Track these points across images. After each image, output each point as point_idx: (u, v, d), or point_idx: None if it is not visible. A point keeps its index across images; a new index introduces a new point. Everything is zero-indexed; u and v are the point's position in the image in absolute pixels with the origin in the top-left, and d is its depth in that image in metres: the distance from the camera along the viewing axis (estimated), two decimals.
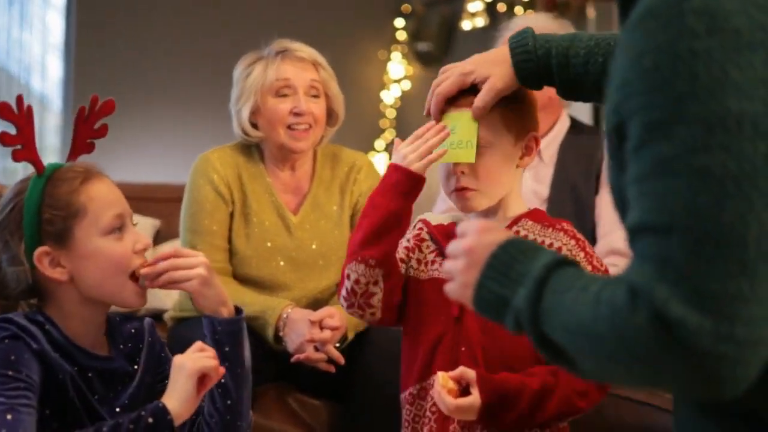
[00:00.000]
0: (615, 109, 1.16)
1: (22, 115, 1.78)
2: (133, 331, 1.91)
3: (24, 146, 1.76)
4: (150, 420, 1.61)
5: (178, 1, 6.57)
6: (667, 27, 1.10)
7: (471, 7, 6.16)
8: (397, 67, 6.78)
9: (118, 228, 1.80)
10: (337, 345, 2.70)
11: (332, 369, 2.68)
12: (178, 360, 1.71)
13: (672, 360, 1.06)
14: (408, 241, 2.06)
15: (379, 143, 6.60)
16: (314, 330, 2.65)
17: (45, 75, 6.62)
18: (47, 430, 1.66)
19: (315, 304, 2.84)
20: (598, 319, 1.12)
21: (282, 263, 2.88)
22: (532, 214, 1.99)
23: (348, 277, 1.98)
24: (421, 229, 2.07)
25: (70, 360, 1.73)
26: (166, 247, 3.61)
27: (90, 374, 1.76)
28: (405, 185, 1.92)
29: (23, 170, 5.64)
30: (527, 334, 1.24)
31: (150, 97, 6.40)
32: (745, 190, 1.06)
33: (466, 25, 6.20)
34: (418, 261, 2.04)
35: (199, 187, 2.88)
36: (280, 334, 2.70)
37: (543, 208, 2.68)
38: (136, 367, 1.86)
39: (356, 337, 2.76)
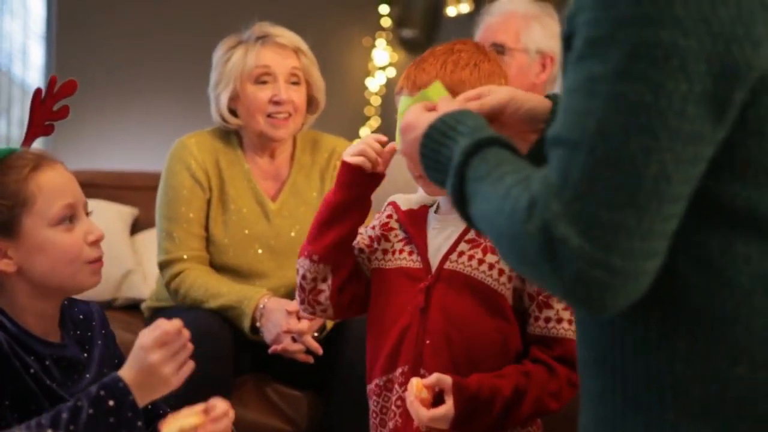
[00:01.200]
0: (568, 19, 1.18)
1: None
2: (81, 317, 1.87)
3: None
4: (111, 402, 1.54)
5: None
6: None
7: None
8: (382, 54, 6.74)
9: (69, 218, 1.75)
10: (316, 335, 2.65)
11: (310, 360, 2.64)
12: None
13: (551, 272, 1.12)
14: (374, 228, 2.02)
15: (364, 131, 6.55)
16: (291, 320, 2.60)
17: (26, 62, 6.58)
18: (8, 422, 1.61)
19: (293, 292, 2.77)
20: (501, 213, 1.18)
21: (260, 251, 2.83)
22: None
23: (297, 272, 1.97)
24: (390, 216, 2.02)
25: (26, 349, 1.68)
26: (143, 237, 3.57)
27: (47, 362, 1.72)
28: (344, 176, 1.90)
29: None
30: (448, 187, 1.31)
31: (130, 83, 6.36)
32: (655, 125, 1.08)
33: (451, 11, 6.17)
34: (384, 251, 1.99)
35: (175, 173, 2.83)
36: (257, 324, 2.65)
37: None
38: (86, 355, 1.82)
39: (335, 326, 2.72)
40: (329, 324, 2.70)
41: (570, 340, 1.83)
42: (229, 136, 2.90)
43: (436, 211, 1.97)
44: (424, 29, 6.52)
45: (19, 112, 6.59)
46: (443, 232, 1.93)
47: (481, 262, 1.86)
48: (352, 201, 1.91)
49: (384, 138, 1.92)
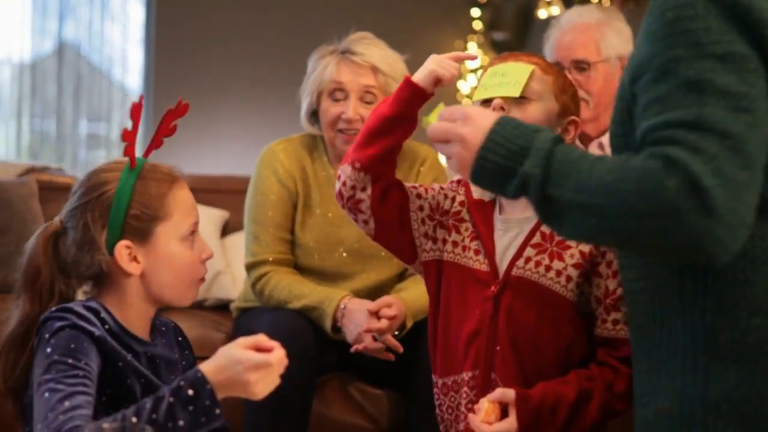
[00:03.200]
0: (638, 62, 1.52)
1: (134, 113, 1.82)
2: (163, 328, 1.96)
3: (130, 141, 1.80)
4: (190, 392, 1.60)
5: None
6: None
7: None
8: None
9: (191, 235, 1.84)
10: (396, 333, 2.70)
11: (391, 357, 2.69)
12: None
13: (692, 219, 1.36)
14: (445, 198, 2.06)
15: None
16: (372, 320, 2.66)
17: (126, 66, 6.74)
18: (105, 415, 1.69)
19: (376, 294, 2.85)
20: (625, 180, 1.40)
21: (344, 254, 2.90)
22: None
23: (338, 177, 2.02)
24: (462, 203, 2.05)
25: (124, 345, 1.77)
26: (233, 239, 3.65)
27: (142, 359, 1.80)
28: (403, 91, 1.95)
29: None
30: (529, 195, 1.49)
31: (225, 89, 6.47)
32: (753, 109, 1.42)
33: (542, 13, 6.16)
34: (454, 243, 2.03)
35: (264, 178, 2.91)
36: (338, 324, 2.72)
37: None
38: (176, 356, 1.91)
39: (415, 325, 2.76)
40: (409, 323, 2.75)
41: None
42: (316, 142, 2.97)
43: (500, 213, 2.00)
44: (515, 32, 6.52)
45: (119, 116, 6.75)
46: (508, 233, 1.96)
47: (548, 268, 1.89)
48: (404, 116, 1.95)
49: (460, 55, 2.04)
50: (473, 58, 2.06)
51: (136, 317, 1.83)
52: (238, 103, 6.52)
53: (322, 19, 6.16)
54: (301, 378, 2.65)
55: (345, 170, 2.00)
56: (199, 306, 3.53)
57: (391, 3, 6.61)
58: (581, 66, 2.86)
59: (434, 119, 1.73)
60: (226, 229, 3.77)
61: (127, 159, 1.81)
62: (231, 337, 3.06)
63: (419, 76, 1.96)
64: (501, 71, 1.99)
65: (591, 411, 1.85)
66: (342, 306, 2.72)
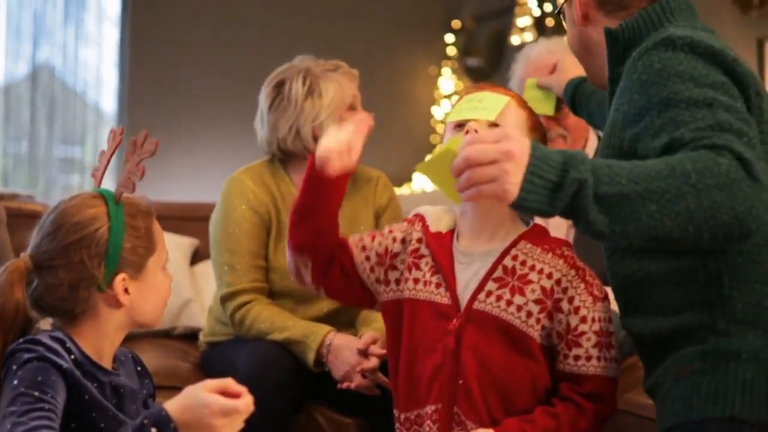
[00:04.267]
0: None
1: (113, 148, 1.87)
2: (122, 358, 1.95)
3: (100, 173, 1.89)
4: (153, 430, 1.60)
5: (234, 14, 6.64)
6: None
7: (520, 22, 6.16)
8: (448, 83, 6.79)
9: (166, 262, 1.91)
10: None
11: (377, 392, 2.69)
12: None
13: (746, 187, 1.55)
14: (395, 242, 2.09)
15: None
16: (363, 359, 2.67)
17: (101, 89, 6.73)
18: None
19: (348, 313, 2.89)
20: (680, 164, 1.56)
21: None
22: (532, 233, 1.98)
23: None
24: (420, 240, 2.07)
25: (91, 376, 1.77)
26: (202, 267, 3.65)
27: (107, 390, 1.80)
28: (306, 181, 1.99)
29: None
30: (579, 201, 1.53)
31: (199, 114, 6.49)
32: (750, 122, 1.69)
33: (515, 40, 6.20)
34: (415, 280, 2.04)
35: (234, 206, 2.91)
36: (323, 360, 2.72)
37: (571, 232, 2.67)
38: (137, 386, 1.92)
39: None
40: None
41: (599, 377, 1.85)
42: (276, 166, 3.00)
43: (459, 244, 2.01)
44: (488, 58, 6.57)
45: (93, 139, 6.74)
46: (470, 267, 1.97)
47: (509, 303, 1.89)
48: (317, 205, 1.98)
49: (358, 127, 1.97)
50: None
51: (107, 348, 1.84)
52: (212, 127, 6.53)
53: (298, 46, 6.17)
54: (278, 408, 2.66)
55: (287, 252, 2.07)
56: (166, 335, 3.52)
57: (367, 29, 6.64)
58: (559, 105, 2.86)
59: (452, 148, 1.71)
60: (196, 257, 3.76)
61: (94, 192, 1.84)
62: (200, 368, 3.06)
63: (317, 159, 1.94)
64: (477, 98, 2.02)
65: None
66: (327, 342, 2.73)
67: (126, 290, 1.81)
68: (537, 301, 1.89)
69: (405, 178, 6.28)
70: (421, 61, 6.87)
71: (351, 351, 2.70)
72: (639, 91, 1.74)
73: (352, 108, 2.91)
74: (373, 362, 2.67)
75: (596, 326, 1.85)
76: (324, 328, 2.77)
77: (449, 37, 6.88)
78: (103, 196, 1.83)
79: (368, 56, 6.45)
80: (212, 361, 3.00)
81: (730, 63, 1.74)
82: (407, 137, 6.52)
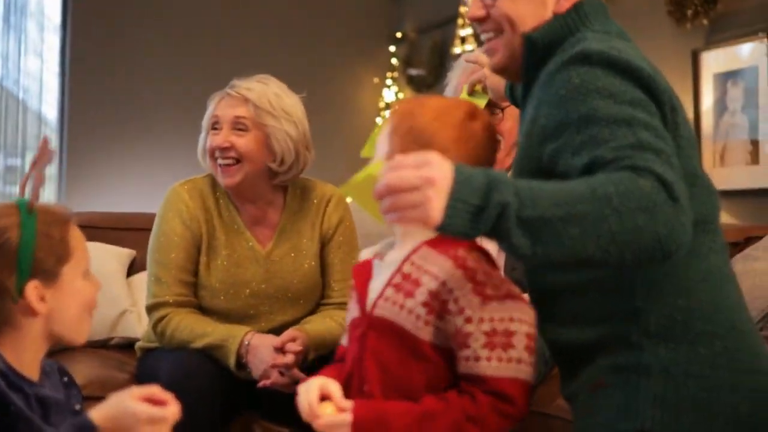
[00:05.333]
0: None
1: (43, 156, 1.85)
2: (48, 369, 1.95)
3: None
4: None
5: (175, 23, 6.64)
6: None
7: (461, 33, 6.21)
8: (391, 93, 6.82)
9: (87, 270, 1.89)
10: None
11: (295, 390, 2.69)
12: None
13: (667, 208, 1.56)
14: None
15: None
16: (278, 356, 2.69)
17: (43, 98, 6.68)
18: None
19: (280, 333, 2.86)
20: (602, 186, 1.56)
21: (250, 296, 2.91)
22: (436, 239, 1.96)
23: None
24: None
25: (15, 388, 1.77)
26: (140, 278, 3.65)
27: (32, 401, 1.80)
28: None
29: None
30: (502, 224, 1.55)
31: (140, 119, 6.47)
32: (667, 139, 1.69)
33: (456, 50, 6.25)
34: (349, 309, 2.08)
35: (168, 219, 2.92)
36: (243, 361, 2.73)
37: None
38: (63, 397, 1.91)
39: (319, 359, 2.73)
40: (311, 355, 2.78)
41: (494, 378, 1.84)
42: (217, 182, 2.99)
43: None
44: (430, 68, 6.61)
45: (35, 147, 6.69)
46: (379, 277, 1.98)
47: (402, 307, 1.89)
48: None
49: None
50: None
51: (30, 358, 1.83)
52: (152, 138, 6.52)
53: (238, 59, 6.20)
54: (204, 416, 2.66)
55: None
56: (103, 345, 3.52)
57: (312, 40, 6.66)
58: (493, 110, 2.90)
59: (373, 173, 1.72)
60: (133, 268, 3.75)
61: (10, 202, 1.84)
62: (135, 377, 3.06)
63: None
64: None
65: (437, 428, 1.84)
66: (246, 342, 2.74)
67: (43, 298, 1.80)
68: (424, 304, 1.89)
69: None
70: (366, 72, 6.90)
71: (267, 348, 2.72)
72: (557, 105, 1.74)
73: (214, 129, 2.92)
74: (288, 358, 2.69)
75: (485, 326, 1.83)
76: (242, 329, 2.78)
77: (392, 48, 6.92)
78: (17, 205, 1.82)
79: (313, 67, 6.49)
80: (146, 368, 3.00)
81: (647, 79, 1.74)
82: (352, 147, 6.51)
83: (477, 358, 1.85)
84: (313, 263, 2.98)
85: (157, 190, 6.01)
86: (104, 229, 3.73)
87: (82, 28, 6.50)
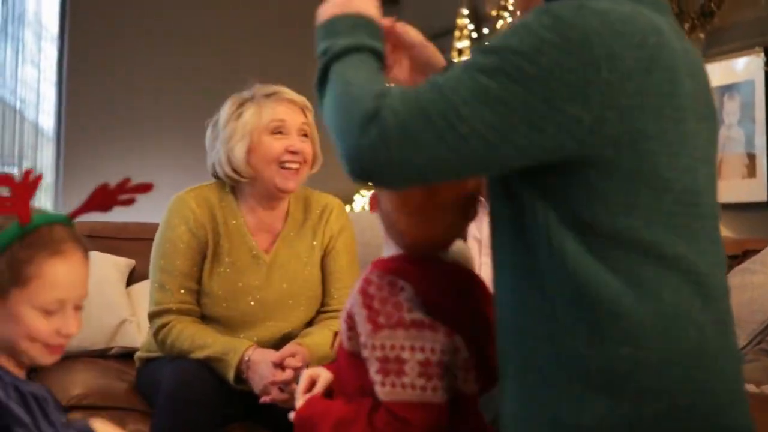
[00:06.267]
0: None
1: (24, 186, 1.77)
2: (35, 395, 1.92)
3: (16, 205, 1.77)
4: None
5: (171, 34, 6.65)
6: None
7: (458, 44, 6.24)
8: None
9: (53, 311, 1.80)
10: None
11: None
12: None
13: (355, 129, 1.54)
14: None
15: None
16: (277, 371, 2.70)
17: (40, 107, 6.70)
18: None
19: (283, 342, 2.88)
20: (354, 83, 1.60)
21: (252, 303, 2.92)
22: (383, 259, 2.00)
23: None
24: None
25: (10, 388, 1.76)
26: (139, 287, 3.66)
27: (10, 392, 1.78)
28: None
29: None
30: (321, 58, 1.71)
31: (137, 133, 6.48)
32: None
33: (454, 61, 6.27)
34: None
35: (174, 227, 2.92)
36: (243, 376, 2.75)
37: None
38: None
39: None
40: (311, 367, 2.78)
41: (388, 402, 1.85)
42: (224, 190, 3.00)
43: None
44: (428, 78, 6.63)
45: (32, 157, 6.70)
46: None
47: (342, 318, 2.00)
48: None
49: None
50: None
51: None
52: (149, 147, 6.53)
53: (237, 67, 6.21)
54: (203, 427, 2.67)
55: None
56: (102, 355, 3.52)
57: (304, 52, 6.66)
58: None
59: None
60: (132, 277, 3.75)
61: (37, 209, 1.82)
62: (135, 386, 3.06)
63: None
64: None
65: None
66: (246, 358, 2.75)
67: None
68: (345, 321, 1.95)
69: (349, 200, 6.33)
70: None
71: (267, 364, 2.72)
72: None
73: (278, 132, 2.93)
74: (287, 374, 2.69)
75: (378, 353, 1.85)
76: (243, 343, 2.79)
77: None
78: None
79: (306, 79, 6.44)
80: (142, 378, 3.02)
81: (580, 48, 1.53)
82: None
83: (374, 383, 1.89)
84: (314, 271, 3.01)
85: (155, 199, 6.01)
86: (103, 238, 3.73)
87: (79, 38, 6.51)
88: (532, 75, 1.50)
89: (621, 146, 1.53)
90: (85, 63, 6.51)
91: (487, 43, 1.58)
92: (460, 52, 6.21)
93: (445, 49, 6.44)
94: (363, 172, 1.55)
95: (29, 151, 6.67)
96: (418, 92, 1.53)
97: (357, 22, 1.73)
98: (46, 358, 1.81)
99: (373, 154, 1.52)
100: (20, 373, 1.83)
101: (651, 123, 1.54)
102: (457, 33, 6.26)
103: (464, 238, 2.04)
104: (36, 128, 6.71)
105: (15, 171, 6.66)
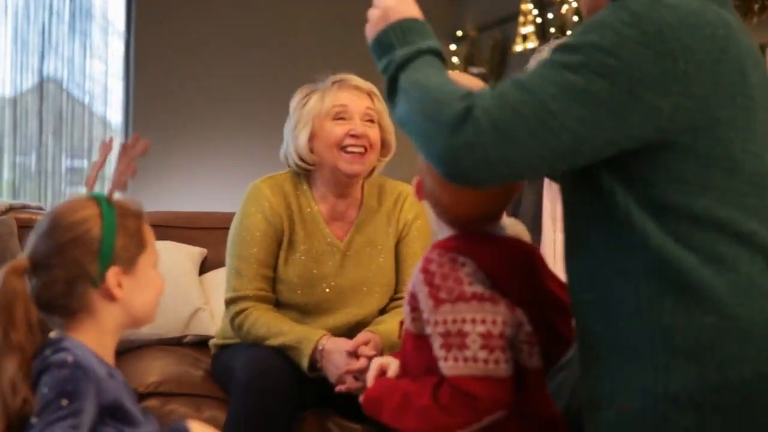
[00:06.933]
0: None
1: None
2: None
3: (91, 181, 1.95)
4: None
5: (237, 28, 6.69)
6: None
7: (522, 30, 6.21)
8: None
9: (157, 262, 1.96)
10: None
11: None
12: None
13: (446, 129, 1.60)
14: None
15: None
16: (351, 361, 2.72)
17: (107, 101, 6.78)
18: None
19: (357, 328, 2.90)
20: (434, 89, 1.66)
21: (327, 290, 2.95)
22: (442, 240, 2.00)
23: None
24: None
25: (109, 377, 1.81)
26: (212, 276, 3.70)
27: (122, 389, 1.85)
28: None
29: None
30: (385, 73, 1.78)
31: (204, 125, 6.53)
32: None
33: (518, 47, 6.24)
34: None
35: (250, 215, 2.95)
36: (318, 365, 2.77)
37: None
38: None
39: None
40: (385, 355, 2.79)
41: (451, 377, 1.85)
42: (300, 179, 3.02)
43: None
44: (492, 66, 6.60)
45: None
46: None
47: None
48: None
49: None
50: None
51: (110, 344, 1.88)
52: (218, 139, 6.58)
53: (303, 57, 6.23)
54: (278, 414, 2.69)
55: None
56: (177, 342, 3.55)
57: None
58: None
59: None
60: (204, 266, 3.78)
61: (87, 195, 1.90)
62: (210, 373, 3.10)
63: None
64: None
65: (412, 407, 1.89)
66: (320, 347, 2.76)
67: (119, 285, 1.85)
68: (408, 303, 1.96)
69: None
70: None
71: (341, 354, 2.74)
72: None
73: (340, 117, 2.93)
74: (361, 363, 2.70)
75: (440, 328, 1.86)
76: (317, 333, 2.80)
77: (453, 47, 6.92)
78: (95, 198, 1.88)
79: (371, 66, 6.46)
80: (217, 365, 3.06)
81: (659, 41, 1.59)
82: (412, 147, 6.56)
83: (438, 358, 1.89)
84: (388, 258, 3.01)
85: (223, 189, 6.08)
86: (176, 228, 3.76)
87: (145, 32, 6.58)
88: (615, 68, 1.57)
89: (697, 132, 1.62)
90: (152, 57, 6.57)
91: (566, 42, 1.64)
92: (525, 37, 6.18)
93: (509, 36, 6.41)
94: (459, 171, 1.63)
95: (97, 144, 6.75)
96: (503, 92, 1.61)
97: (405, 27, 1.79)
98: (155, 313, 1.97)
99: (468, 153, 1.59)
100: (111, 361, 1.89)
101: (723, 110, 1.63)
102: (521, 18, 6.23)
103: (508, 212, 2.06)
104: (104, 122, 6.80)
105: (85, 163, 6.76)
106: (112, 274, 1.83)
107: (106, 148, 1.97)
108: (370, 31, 1.84)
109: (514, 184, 1.94)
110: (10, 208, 3.78)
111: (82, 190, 3.97)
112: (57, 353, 1.75)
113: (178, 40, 6.57)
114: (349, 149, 2.91)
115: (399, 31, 1.79)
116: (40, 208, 3.98)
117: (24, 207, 3.88)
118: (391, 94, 1.76)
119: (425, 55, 1.76)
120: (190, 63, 6.59)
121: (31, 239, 1.86)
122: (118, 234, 1.85)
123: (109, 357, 1.88)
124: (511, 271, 1.93)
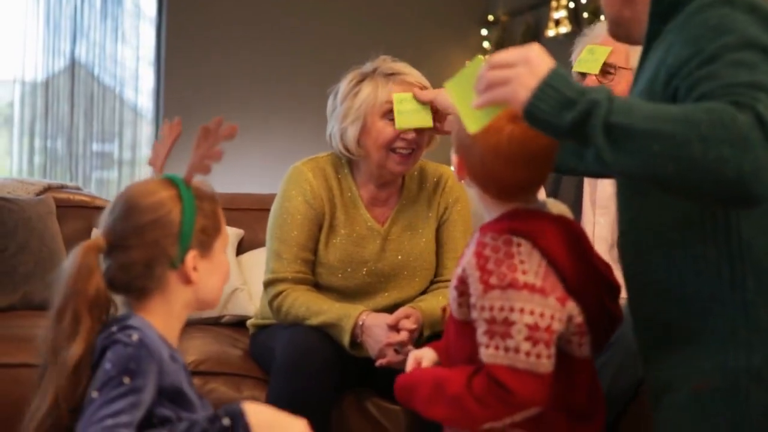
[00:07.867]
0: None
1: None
2: None
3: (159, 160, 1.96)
4: (225, 421, 1.69)
5: (268, 13, 6.69)
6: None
7: (555, 15, 6.18)
8: None
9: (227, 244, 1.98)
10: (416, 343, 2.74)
11: None
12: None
13: (759, 148, 1.48)
14: None
15: None
16: (392, 333, 2.71)
17: (137, 87, 6.80)
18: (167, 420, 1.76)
19: (394, 311, 2.87)
20: (697, 112, 1.51)
21: (367, 273, 2.94)
22: (491, 223, 1.97)
23: None
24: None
25: (172, 358, 1.82)
26: (249, 257, 3.71)
27: (182, 370, 1.86)
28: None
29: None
30: (589, 121, 1.55)
31: (234, 110, 6.53)
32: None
33: (550, 32, 6.21)
34: None
35: (291, 197, 2.93)
36: (359, 341, 2.76)
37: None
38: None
39: (433, 335, 2.78)
40: (426, 332, 2.80)
41: (490, 365, 1.84)
42: (341, 163, 3.00)
43: None
44: None
45: (130, 135, 6.80)
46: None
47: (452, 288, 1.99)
48: None
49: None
50: None
51: (176, 326, 1.89)
52: (250, 122, 6.58)
53: (335, 41, 6.22)
54: (318, 395, 2.69)
55: None
56: (215, 323, 3.56)
57: (403, 24, 6.68)
58: (608, 69, 3.00)
59: (475, 68, 1.75)
60: (242, 247, 3.79)
61: (162, 176, 1.90)
62: (248, 353, 3.11)
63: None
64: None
65: (445, 398, 1.88)
66: (360, 322, 2.76)
67: (195, 268, 1.86)
68: (455, 287, 1.94)
69: None
70: (457, 55, 6.89)
71: (382, 328, 2.74)
72: (689, 44, 1.67)
73: (392, 115, 2.85)
74: (402, 336, 2.71)
75: (486, 314, 1.84)
76: (357, 308, 2.80)
77: (484, 31, 6.90)
78: (171, 180, 1.88)
79: (404, 50, 6.42)
80: (256, 345, 3.06)
81: None
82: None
83: (479, 344, 1.87)
84: (429, 242, 3.00)
85: (256, 171, 6.08)
86: None
87: (175, 19, 6.59)
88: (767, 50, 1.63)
89: None
90: (182, 43, 6.58)
91: (734, 48, 1.63)
92: (558, 22, 6.15)
93: (541, 20, 6.38)
94: None
95: (127, 129, 6.78)
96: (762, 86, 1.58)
97: (564, 81, 1.62)
98: (219, 300, 1.98)
99: None
100: (175, 342, 1.91)
101: None
102: (554, 3, 6.20)
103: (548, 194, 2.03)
104: (134, 108, 6.82)
105: (115, 148, 6.78)
106: (191, 258, 1.84)
107: (174, 129, 1.97)
108: (520, 86, 1.61)
109: (554, 149, 1.90)
110: (48, 188, 3.80)
111: (111, 174, 3.96)
112: (123, 330, 1.76)
113: (209, 26, 6.58)
114: (398, 150, 2.88)
115: (562, 83, 1.60)
116: (78, 188, 3.99)
117: (62, 187, 3.90)
118: (605, 143, 1.56)
119: (612, 99, 1.58)
120: (221, 49, 6.59)
121: (106, 220, 1.86)
122: (198, 217, 1.85)
123: (173, 339, 1.88)
124: (567, 249, 1.91)
